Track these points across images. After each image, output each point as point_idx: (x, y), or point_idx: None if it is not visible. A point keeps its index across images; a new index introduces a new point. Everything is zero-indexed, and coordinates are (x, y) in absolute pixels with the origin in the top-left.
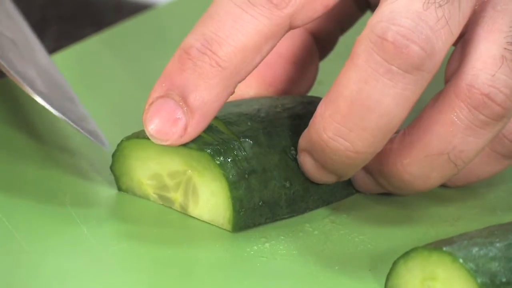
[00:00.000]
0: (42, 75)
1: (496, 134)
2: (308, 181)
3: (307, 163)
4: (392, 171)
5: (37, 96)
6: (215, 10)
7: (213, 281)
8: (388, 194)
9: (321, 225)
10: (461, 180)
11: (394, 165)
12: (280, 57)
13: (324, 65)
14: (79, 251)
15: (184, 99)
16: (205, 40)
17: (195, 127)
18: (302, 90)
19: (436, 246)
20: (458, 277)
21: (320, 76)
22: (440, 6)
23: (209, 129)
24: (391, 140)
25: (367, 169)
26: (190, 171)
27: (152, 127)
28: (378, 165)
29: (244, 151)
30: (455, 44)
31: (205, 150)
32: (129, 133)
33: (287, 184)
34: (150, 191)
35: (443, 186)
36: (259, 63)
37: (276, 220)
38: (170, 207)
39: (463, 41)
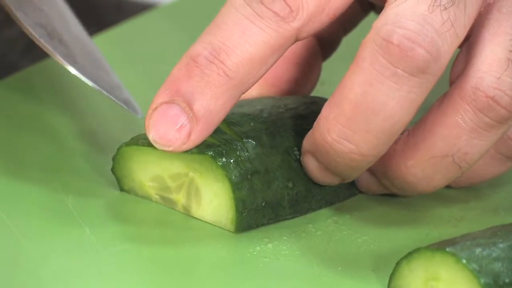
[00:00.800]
0: (76, 44)
1: (501, 136)
2: (311, 182)
3: (310, 165)
4: (396, 173)
5: (71, 67)
6: (222, 20)
7: (216, 281)
8: (391, 195)
9: (324, 225)
10: (464, 181)
11: (398, 166)
12: (283, 57)
13: (327, 66)
14: (81, 252)
15: (189, 106)
16: (213, 49)
17: (199, 135)
18: (305, 91)
19: (439, 246)
20: (461, 277)
21: (323, 76)
22: (446, 8)
23: None
24: (395, 142)
25: (370, 170)
26: (192, 173)
27: (155, 133)
28: (382, 166)
29: (247, 151)
30: (460, 46)
31: (207, 153)
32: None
33: (290, 185)
34: (152, 193)
35: (446, 186)
36: (264, 74)
37: (279, 220)
38: (173, 208)
39: (468, 44)
